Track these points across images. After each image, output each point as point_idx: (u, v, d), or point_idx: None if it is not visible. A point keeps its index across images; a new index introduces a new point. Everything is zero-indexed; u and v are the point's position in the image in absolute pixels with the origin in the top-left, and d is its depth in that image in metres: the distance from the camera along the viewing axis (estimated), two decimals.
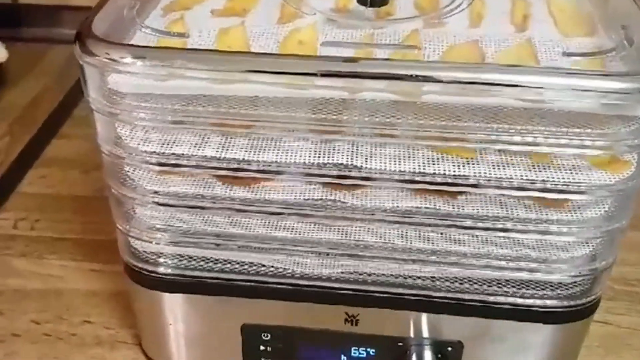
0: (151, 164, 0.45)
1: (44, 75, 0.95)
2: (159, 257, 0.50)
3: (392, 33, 0.46)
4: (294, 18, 0.49)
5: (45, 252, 0.68)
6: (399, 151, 0.44)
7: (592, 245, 0.46)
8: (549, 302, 0.48)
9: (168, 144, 0.45)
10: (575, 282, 0.47)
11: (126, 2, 0.47)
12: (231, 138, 0.45)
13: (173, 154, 0.44)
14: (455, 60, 0.45)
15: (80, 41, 0.41)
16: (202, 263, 0.49)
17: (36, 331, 0.60)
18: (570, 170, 0.43)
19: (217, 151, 0.44)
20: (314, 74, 0.40)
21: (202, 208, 0.47)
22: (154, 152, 0.44)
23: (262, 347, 0.52)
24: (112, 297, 0.63)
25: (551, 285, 0.48)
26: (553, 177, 0.43)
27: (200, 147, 0.44)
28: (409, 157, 0.44)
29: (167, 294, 0.51)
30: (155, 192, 0.46)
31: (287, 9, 0.49)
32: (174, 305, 0.51)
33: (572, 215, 0.44)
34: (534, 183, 0.43)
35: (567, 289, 0.48)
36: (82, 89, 0.43)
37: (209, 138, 0.45)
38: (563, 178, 0.43)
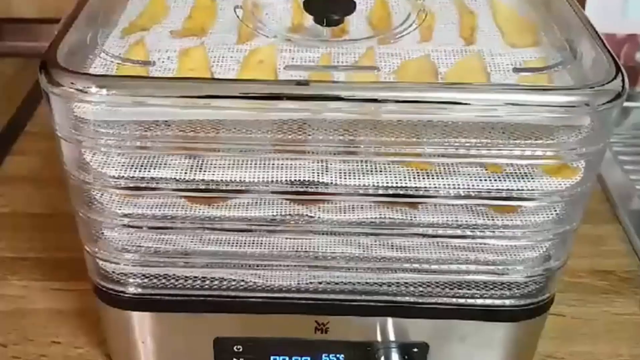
0: (119, 188, 0.45)
1: None
2: (129, 277, 0.50)
3: (349, 52, 0.48)
4: (252, 37, 0.50)
5: (6, 273, 0.67)
6: (362, 166, 0.46)
7: (545, 247, 0.49)
8: (507, 302, 0.50)
9: (136, 168, 0.45)
10: (530, 282, 0.50)
11: (89, 27, 0.47)
12: (198, 159, 0.46)
13: (142, 177, 0.45)
14: (409, 75, 0.46)
15: (45, 71, 0.41)
16: (172, 281, 0.50)
17: (3, 354, 0.59)
18: (523, 178, 0.45)
19: (185, 173, 0.45)
20: (279, 98, 0.41)
21: (171, 228, 0.47)
22: (122, 176, 0.45)
23: (234, 359, 0.53)
24: (78, 315, 0.63)
25: (508, 286, 0.50)
26: (507, 186, 0.45)
27: (168, 169, 0.45)
28: (371, 171, 0.46)
29: (138, 313, 0.51)
30: (124, 215, 0.47)
31: (245, 29, 0.50)
32: (145, 323, 0.52)
33: (525, 220, 0.47)
34: (489, 192, 0.45)
35: (523, 288, 0.50)
36: (49, 115, 0.43)
37: (176, 160, 0.45)
38: (516, 186, 0.45)
